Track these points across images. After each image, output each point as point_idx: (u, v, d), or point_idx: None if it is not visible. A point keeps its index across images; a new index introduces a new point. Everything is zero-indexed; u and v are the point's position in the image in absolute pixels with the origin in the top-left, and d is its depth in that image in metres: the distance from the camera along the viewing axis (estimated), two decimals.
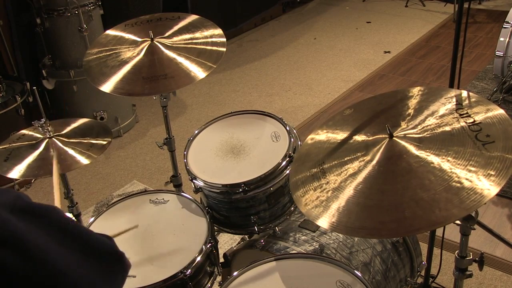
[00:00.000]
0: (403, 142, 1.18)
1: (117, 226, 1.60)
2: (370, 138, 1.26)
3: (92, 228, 1.61)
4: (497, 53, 3.35)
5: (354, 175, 1.17)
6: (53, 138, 1.73)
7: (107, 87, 1.73)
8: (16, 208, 0.67)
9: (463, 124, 1.17)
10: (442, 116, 1.23)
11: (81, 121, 1.88)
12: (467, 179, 1.03)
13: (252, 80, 4.30)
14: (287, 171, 1.65)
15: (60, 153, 1.69)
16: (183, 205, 1.69)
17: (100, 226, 1.62)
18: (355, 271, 1.34)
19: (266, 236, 1.71)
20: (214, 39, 1.89)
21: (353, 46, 4.81)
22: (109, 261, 0.77)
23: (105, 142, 1.75)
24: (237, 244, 1.85)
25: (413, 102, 1.33)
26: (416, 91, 1.37)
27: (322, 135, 1.39)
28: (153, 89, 1.73)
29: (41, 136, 1.74)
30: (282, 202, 1.72)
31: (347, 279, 1.33)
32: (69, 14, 3.15)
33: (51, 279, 0.67)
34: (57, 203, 1.16)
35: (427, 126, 1.21)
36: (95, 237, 0.77)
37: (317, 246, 1.59)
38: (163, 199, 1.73)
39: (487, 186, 1.00)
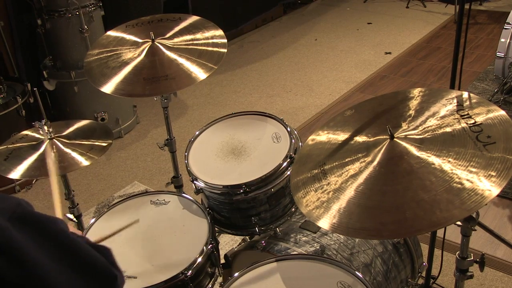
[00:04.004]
0: (404, 143, 1.18)
1: (118, 228, 1.60)
2: (371, 139, 1.26)
3: (93, 229, 1.62)
4: (498, 54, 3.35)
5: (355, 176, 1.17)
6: (54, 139, 1.73)
7: (108, 88, 1.73)
8: (14, 216, 0.67)
9: (464, 125, 1.17)
10: (443, 117, 1.23)
11: (82, 122, 1.88)
12: (468, 180, 1.03)
13: (253, 81, 4.31)
14: (288, 172, 1.65)
15: (60, 154, 1.70)
16: (184, 206, 1.69)
17: (101, 227, 1.62)
18: (356, 272, 1.34)
19: (267, 237, 1.70)
20: (215, 40, 1.89)
21: (354, 47, 4.81)
22: (102, 281, 0.77)
23: (105, 144, 1.75)
24: (238, 245, 1.85)
25: (414, 103, 1.32)
26: (417, 92, 1.37)
27: (323, 136, 1.39)
28: (154, 90, 1.73)
29: (42, 137, 1.74)
30: (283, 203, 1.72)
31: (348, 280, 1.33)
32: (70, 15, 3.15)
33: None
34: (56, 205, 1.16)
35: (428, 127, 1.21)
36: (92, 255, 0.76)
37: (318, 247, 1.59)
38: (164, 200, 1.73)
39: (488, 187, 1.00)
